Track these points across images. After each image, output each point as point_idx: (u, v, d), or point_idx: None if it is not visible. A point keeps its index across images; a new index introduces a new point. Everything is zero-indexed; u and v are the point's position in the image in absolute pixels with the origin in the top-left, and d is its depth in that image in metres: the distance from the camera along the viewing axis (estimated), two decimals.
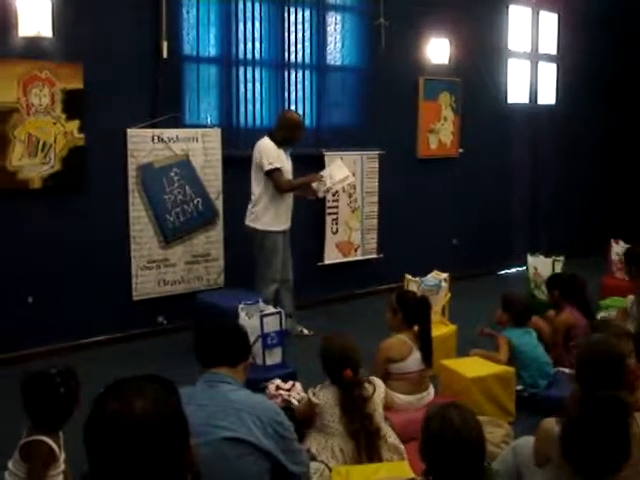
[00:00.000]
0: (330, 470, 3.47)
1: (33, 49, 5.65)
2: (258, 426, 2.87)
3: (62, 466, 3.09)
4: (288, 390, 4.58)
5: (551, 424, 2.93)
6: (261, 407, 2.96)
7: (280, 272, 6.34)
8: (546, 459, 2.97)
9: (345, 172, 6.51)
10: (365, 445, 3.69)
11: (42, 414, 3.03)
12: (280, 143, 6.20)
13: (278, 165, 6.13)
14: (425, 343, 4.61)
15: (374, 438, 3.73)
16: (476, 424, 2.53)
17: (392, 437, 3.92)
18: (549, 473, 2.92)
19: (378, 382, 3.95)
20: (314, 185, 6.47)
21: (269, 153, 6.11)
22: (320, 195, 6.66)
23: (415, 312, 4.67)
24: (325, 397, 3.80)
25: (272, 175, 6.12)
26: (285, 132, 6.23)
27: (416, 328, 4.67)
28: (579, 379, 3.28)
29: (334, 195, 7.11)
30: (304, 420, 3.89)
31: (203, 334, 3.32)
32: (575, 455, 2.66)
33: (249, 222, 6.29)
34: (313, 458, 3.63)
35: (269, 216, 6.23)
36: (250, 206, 6.29)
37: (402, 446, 3.88)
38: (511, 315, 5.29)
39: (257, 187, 6.23)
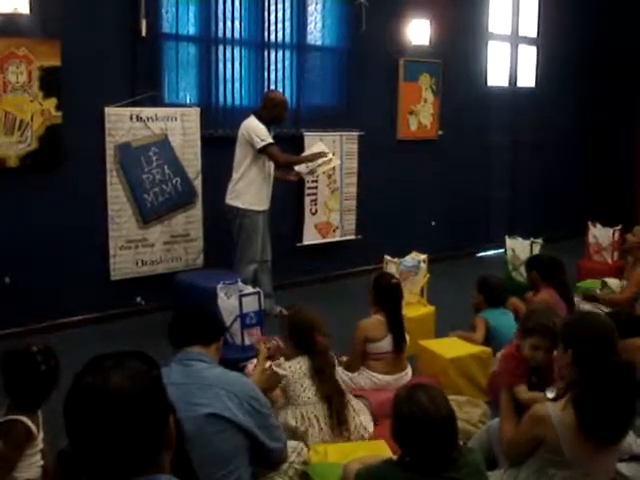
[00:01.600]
0: (308, 449, 3.49)
1: (10, 26, 5.57)
2: (234, 402, 2.89)
3: (40, 445, 3.09)
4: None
5: (544, 408, 2.94)
6: (236, 383, 2.99)
7: (259, 252, 6.33)
8: (533, 448, 2.97)
9: (327, 155, 6.51)
10: (336, 410, 3.82)
11: (22, 392, 3.02)
12: (266, 122, 6.17)
13: (270, 140, 6.11)
14: (395, 329, 4.62)
15: (343, 400, 3.89)
16: (444, 402, 2.55)
17: (363, 416, 3.98)
18: (540, 458, 2.95)
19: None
20: (297, 168, 6.48)
21: (259, 130, 6.08)
22: (304, 177, 6.68)
23: (385, 297, 4.69)
24: (293, 367, 3.87)
25: (267, 150, 6.08)
26: (271, 111, 6.19)
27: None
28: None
29: (313, 175, 7.09)
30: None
31: (175, 317, 3.33)
32: (596, 422, 2.78)
33: (229, 200, 6.26)
34: (294, 432, 3.66)
35: (250, 195, 6.20)
36: (231, 185, 6.25)
37: (371, 429, 3.98)
38: (487, 297, 5.35)
39: (241, 166, 6.19)
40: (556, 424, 2.84)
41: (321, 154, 6.39)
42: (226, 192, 6.28)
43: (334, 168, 7.28)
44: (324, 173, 7.17)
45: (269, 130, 6.19)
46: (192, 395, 2.84)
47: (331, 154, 6.58)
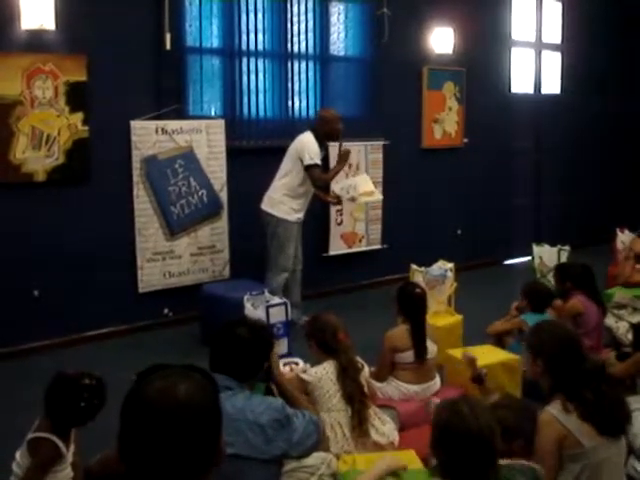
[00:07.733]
0: (338, 459, 3.47)
1: (36, 42, 5.64)
2: (257, 433, 2.80)
3: (70, 459, 3.08)
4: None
5: (545, 413, 3.01)
6: (259, 411, 2.86)
7: (292, 261, 6.36)
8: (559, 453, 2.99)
9: (370, 187, 6.52)
10: (357, 410, 3.77)
11: (56, 416, 3.02)
12: (321, 139, 6.26)
13: (318, 161, 6.19)
14: (418, 339, 4.52)
15: (365, 404, 3.82)
16: (485, 415, 2.49)
17: (387, 425, 3.95)
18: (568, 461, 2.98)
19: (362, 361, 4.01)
20: (337, 191, 6.50)
21: (311, 148, 6.17)
22: (342, 201, 6.70)
23: (409, 307, 4.63)
24: (320, 372, 3.83)
25: (310, 170, 6.17)
26: (324, 128, 6.28)
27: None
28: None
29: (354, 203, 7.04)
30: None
31: (224, 340, 3.13)
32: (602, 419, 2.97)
33: (265, 207, 6.33)
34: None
35: (287, 206, 6.27)
36: (270, 191, 6.32)
37: (396, 437, 3.94)
38: (531, 302, 5.32)
39: (285, 175, 6.28)
40: (564, 421, 2.92)
41: (343, 156, 6.42)
42: (260, 199, 6.34)
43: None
44: (367, 204, 7.36)
45: (321, 146, 6.26)
46: None
47: (374, 188, 6.63)
